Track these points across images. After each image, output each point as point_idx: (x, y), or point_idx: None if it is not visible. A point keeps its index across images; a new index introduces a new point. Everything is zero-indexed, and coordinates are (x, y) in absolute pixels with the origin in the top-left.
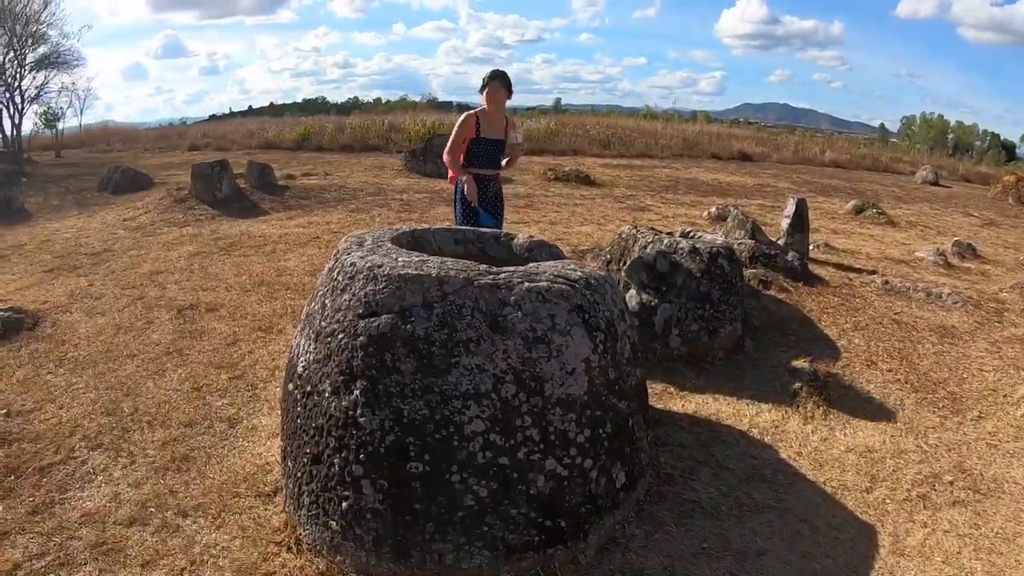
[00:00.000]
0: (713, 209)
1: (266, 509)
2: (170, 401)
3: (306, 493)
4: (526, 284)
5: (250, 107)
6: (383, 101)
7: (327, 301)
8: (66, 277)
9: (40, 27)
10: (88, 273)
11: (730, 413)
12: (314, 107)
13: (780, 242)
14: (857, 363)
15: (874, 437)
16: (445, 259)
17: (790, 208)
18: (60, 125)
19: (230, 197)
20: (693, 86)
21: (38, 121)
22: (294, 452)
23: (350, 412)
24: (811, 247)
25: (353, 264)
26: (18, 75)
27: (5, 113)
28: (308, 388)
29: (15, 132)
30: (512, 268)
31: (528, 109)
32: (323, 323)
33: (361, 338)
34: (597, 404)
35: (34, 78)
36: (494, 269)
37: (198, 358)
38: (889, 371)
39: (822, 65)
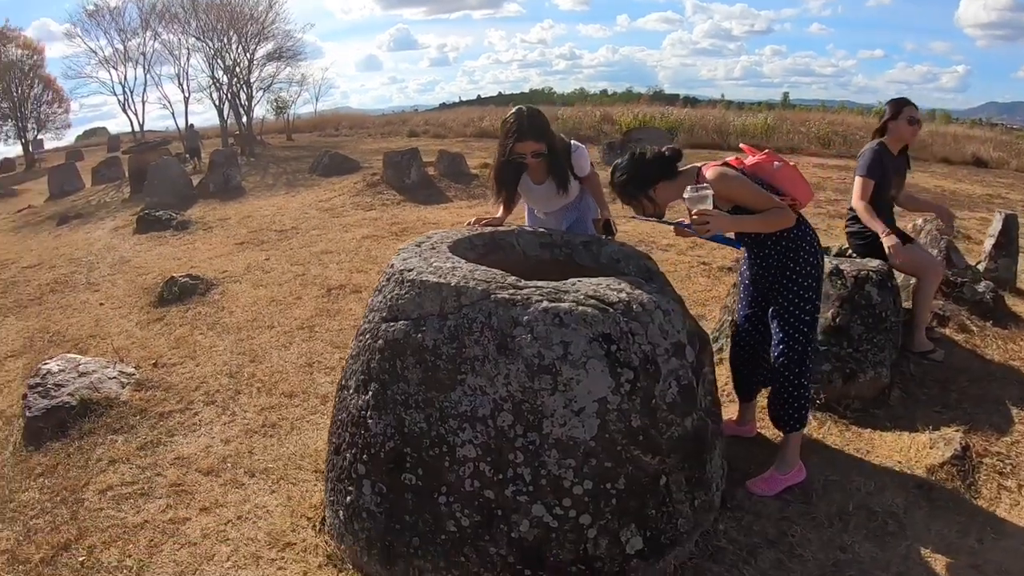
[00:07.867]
0: (919, 220)
1: (315, 485)
2: (283, 371)
3: (329, 479)
4: (544, 303)
5: (479, 96)
6: (609, 93)
7: (371, 300)
8: (250, 251)
9: (266, 26)
10: (270, 249)
11: (840, 484)
12: (541, 97)
13: (981, 267)
14: None
15: (1022, 547)
16: (478, 267)
17: (996, 225)
18: (291, 111)
19: (417, 184)
20: (934, 81)
21: (270, 108)
22: (329, 438)
23: (362, 412)
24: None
25: (392, 264)
26: (248, 68)
27: (238, 101)
28: (343, 381)
29: (247, 118)
30: (544, 283)
31: (756, 103)
32: (363, 322)
33: (380, 341)
34: (608, 454)
35: (262, 71)
36: (521, 283)
37: (323, 335)
38: None
39: None
